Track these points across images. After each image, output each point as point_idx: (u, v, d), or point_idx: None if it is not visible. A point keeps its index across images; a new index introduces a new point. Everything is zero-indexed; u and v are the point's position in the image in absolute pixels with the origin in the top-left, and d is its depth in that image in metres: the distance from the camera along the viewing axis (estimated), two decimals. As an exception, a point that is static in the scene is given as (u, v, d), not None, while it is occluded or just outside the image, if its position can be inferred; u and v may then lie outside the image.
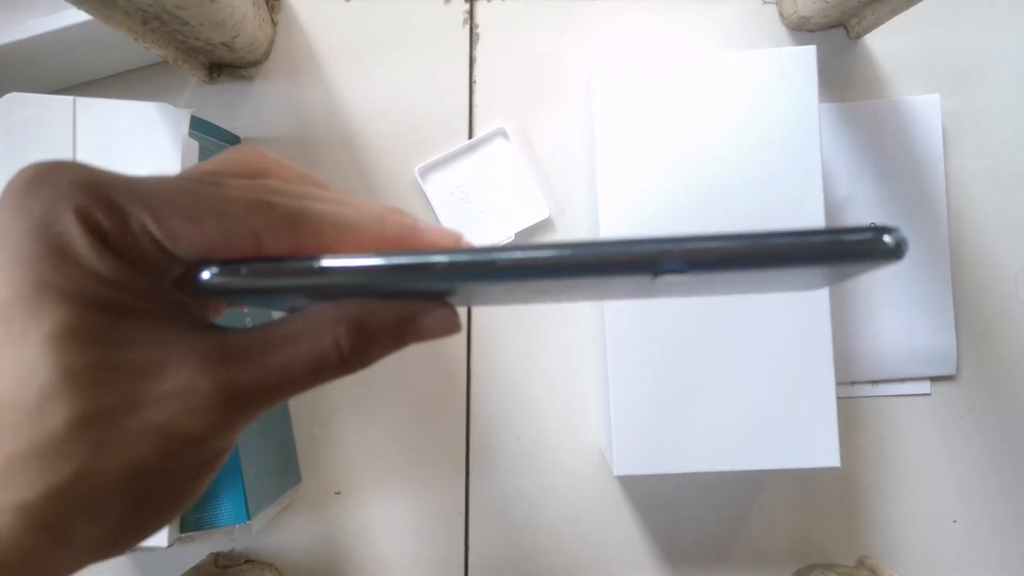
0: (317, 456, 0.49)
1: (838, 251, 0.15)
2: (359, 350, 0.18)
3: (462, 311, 0.48)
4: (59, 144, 0.39)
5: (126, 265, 0.16)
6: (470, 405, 0.49)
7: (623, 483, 0.48)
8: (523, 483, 0.49)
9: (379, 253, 0.16)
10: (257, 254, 0.16)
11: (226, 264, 0.16)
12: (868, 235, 0.15)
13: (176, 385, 0.16)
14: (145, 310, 0.16)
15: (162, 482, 0.17)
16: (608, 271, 0.15)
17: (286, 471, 0.48)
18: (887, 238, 0.15)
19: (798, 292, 0.21)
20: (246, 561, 0.49)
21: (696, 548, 0.48)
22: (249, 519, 0.41)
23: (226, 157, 0.18)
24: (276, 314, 0.20)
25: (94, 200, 0.15)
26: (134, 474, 0.16)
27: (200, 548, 0.49)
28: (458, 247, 0.18)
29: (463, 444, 0.49)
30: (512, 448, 0.49)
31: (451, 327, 0.19)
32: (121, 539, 0.17)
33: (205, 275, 0.16)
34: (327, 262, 0.16)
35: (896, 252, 0.15)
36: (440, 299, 0.19)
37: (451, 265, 0.16)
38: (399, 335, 0.18)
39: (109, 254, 0.15)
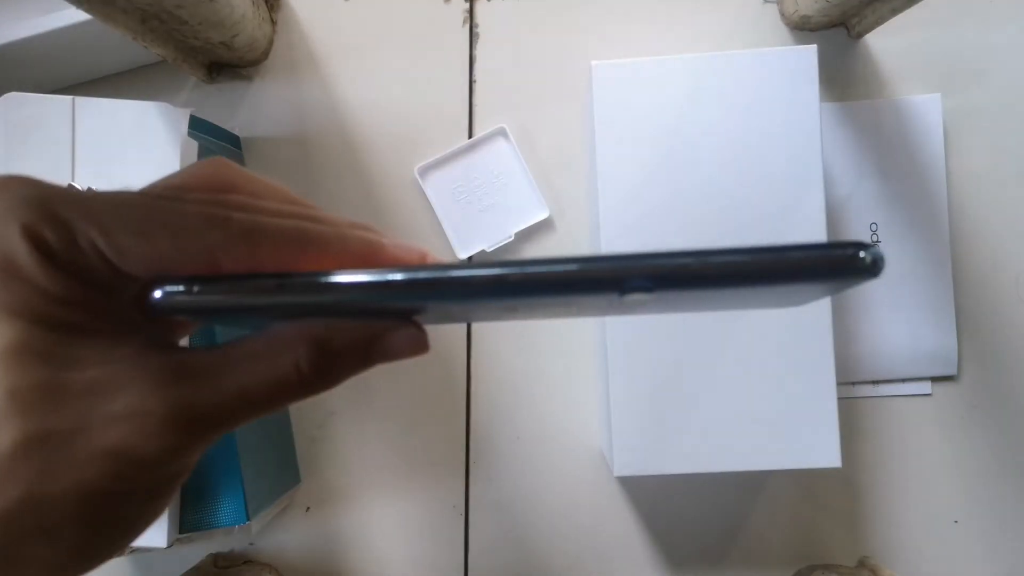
0: (316, 457, 0.49)
1: (810, 268, 0.14)
2: (321, 371, 0.17)
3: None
4: (58, 144, 0.39)
5: (75, 282, 0.15)
6: (470, 405, 0.49)
7: (623, 483, 0.48)
8: (523, 483, 0.49)
9: (336, 271, 0.16)
10: (212, 271, 0.16)
11: (178, 282, 0.16)
12: (842, 251, 0.14)
13: (127, 406, 0.15)
14: (96, 328, 0.16)
15: (115, 505, 0.16)
16: (572, 290, 0.15)
17: (285, 472, 0.48)
18: (863, 254, 0.14)
19: (772, 310, 0.21)
20: (245, 562, 0.49)
21: (696, 549, 0.48)
22: (248, 520, 0.41)
23: (191, 170, 0.17)
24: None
25: (41, 215, 0.14)
26: (85, 498, 0.15)
27: (199, 548, 0.49)
28: (421, 264, 0.17)
29: (463, 444, 0.49)
30: (512, 448, 0.49)
31: (418, 346, 0.18)
32: (76, 563, 0.16)
33: (156, 294, 0.16)
34: (281, 281, 0.16)
35: (872, 269, 0.14)
36: (406, 318, 0.18)
37: (409, 283, 0.15)
38: (364, 355, 0.18)
39: (57, 271, 0.15)
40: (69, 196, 0.15)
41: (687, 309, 0.19)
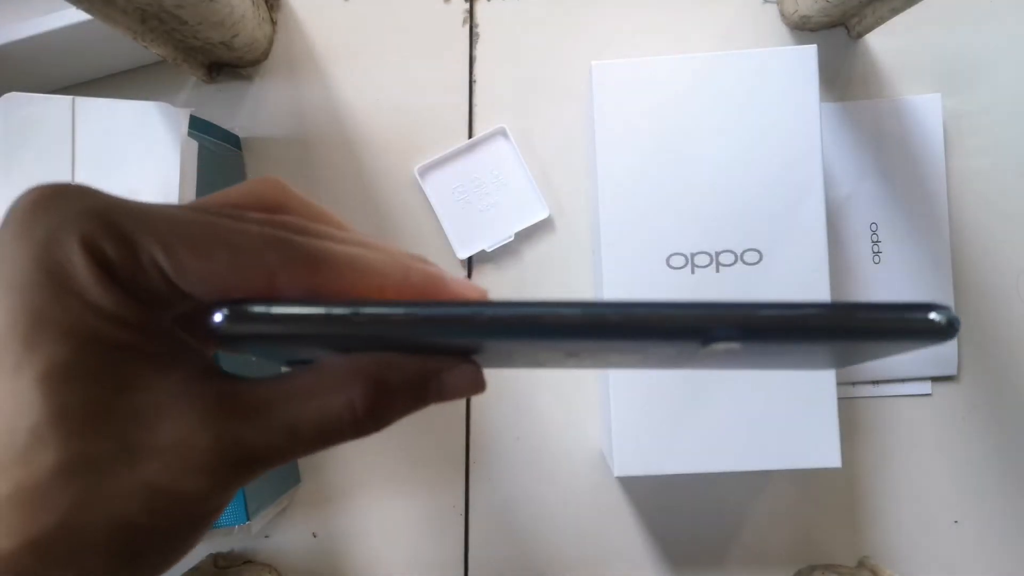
0: (316, 457, 0.49)
1: (904, 329, 0.15)
2: (376, 412, 0.16)
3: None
4: (58, 144, 0.39)
5: (132, 300, 0.14)
6: (470, 405, 0.49)
7: (623, 484, 0.48)
8: (523, 483, 0.49)
9: (413, 303, 0.15)
10: (269, 295, 0.15)
11: (240, 304, 0.15)
12: (933, 316, 0.14)
13: (174, 437, 0.15)
14: (148, 350, 0.15)
15: (147, 540, 0.15)
16: (655, 335, 0.15)
17: (285, 472, 0.48)
18: (942, 317, 0.14)
19: (812, 370, 0.22)
20: (245, 562, 0.49)
21: (696, 549, 0.48)
22: (248, 520, 0.41)
23: (245, 189, 0.17)
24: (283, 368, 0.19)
25: (102, 228, 0.14)
26: (119, 531, 0.14)
27: (199, 549, 0.49)
28: (486, 301, 0.16)
29: (463, 444, 0.49)
30: (512, 448, 0.49)
31: (476, 385, 0.18)
32: None
33: (217, 317, 0.15)
34: (357, 310, 0.15)
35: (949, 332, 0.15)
36: (464, 356, 0.18)
37: (494, 320, 0.15)
38: (420, 394, 0.17)
39: (114, 287, 0.14)
40: (131, 208, 0.14)
41: (746, 365, 0.19)
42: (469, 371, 0.17)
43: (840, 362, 0.19)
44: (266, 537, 0.49)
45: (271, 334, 0.15)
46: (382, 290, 0.16)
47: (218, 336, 0.15)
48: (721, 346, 0.15)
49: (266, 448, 0.16)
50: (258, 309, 0.15)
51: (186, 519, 0.16)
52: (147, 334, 0.15)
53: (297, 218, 0.17)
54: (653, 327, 0.15)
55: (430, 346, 0.16)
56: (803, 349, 0.16)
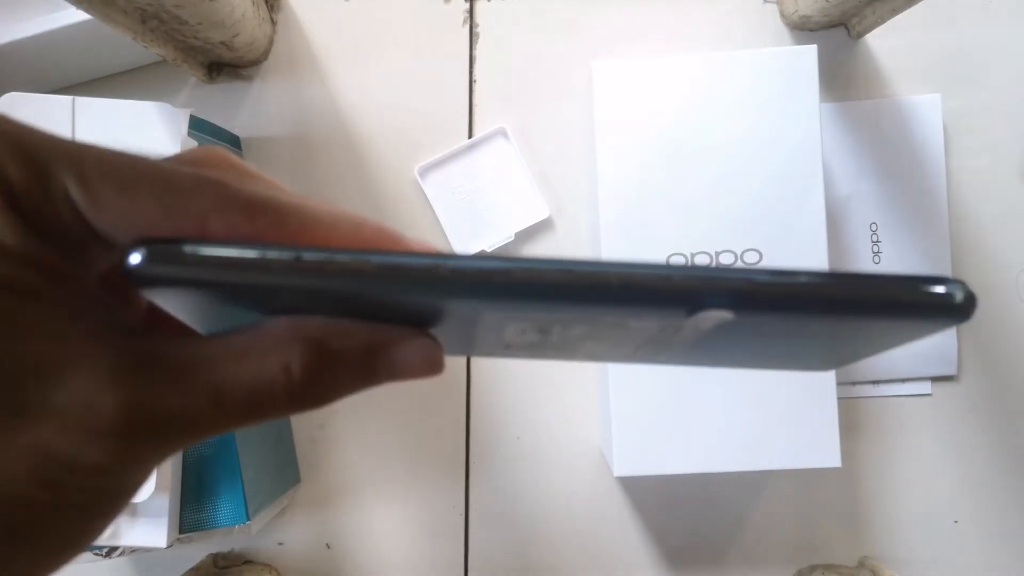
0: (316, 457, 0.49)
1: (915, 303, 0.13)
2: (315, 379, 0.14)
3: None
4: (58, 144, 0.39)
5: (36, 236, 0.13)
6: (470, 405, 0.49)
7: (623, 484, 0.48)
8: (523, 483, 0.49)
9: (363, 250, 0.13)
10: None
11: (163, 243, 0.13)
12: (943, 288, 0.13)
13: (75, 397, 0.12)
14: (54, 297, 0.13)
15: (43, 517, 0.13)
16: (638, 298, 0.13)
17: (285, 472, 0.48)
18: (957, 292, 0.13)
19: (808, 372, 0.20)
20: (245, 562, 0.49)
21: (696, 549, 0.48)
22: (248, 520, 0.41)
23: (185, 152, 0.15)
24: None
25: (10, 151, 0.12)
26: (5, 503, 0.12)
27: (199, 549, 0.49)
28: (449, 253, 0.14)
29: (463, 444, 0.49)
30: (512, 448, 0.49)
31: (433, 364, 0.15)
32: None
33: (134, 257, 0.13)
34: (299, 253, 0.13)
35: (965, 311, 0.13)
36: (420, 329, 0.16)
37: (456, 273, 0.13)
38: (368, 368, 0.15)
39: (17, 219, 0.12)
40: (46, 137, 0.13)
41: (731, 357, 0.17)
42: (424, 345, 0.15)
43: (838, 355, 0.18)
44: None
45: (198, 280, 0.13)
46: (329, 243, 0.14)
47: (137, 280, 0.13)
48: (710, 316, 0.13)
49: (185, 414, 0.13)
50: (185, 249, 0.13)
51: (88, 494, 0.13)
52: (53, 278, 0.13)
53: (238, 174, 0.15)
54: (636, 287, 0.13)
55: (382, 309, 0.15)
56: (801, 329, 0.14)
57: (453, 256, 0.13)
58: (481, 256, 0.13)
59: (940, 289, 0.13)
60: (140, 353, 0.13)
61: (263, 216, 0.13)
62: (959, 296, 0.13)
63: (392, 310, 0.15)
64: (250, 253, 0.13)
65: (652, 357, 0.18)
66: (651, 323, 0.14)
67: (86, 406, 0.13)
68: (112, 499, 0.14)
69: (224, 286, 0.13)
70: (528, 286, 0.13)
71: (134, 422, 0.13)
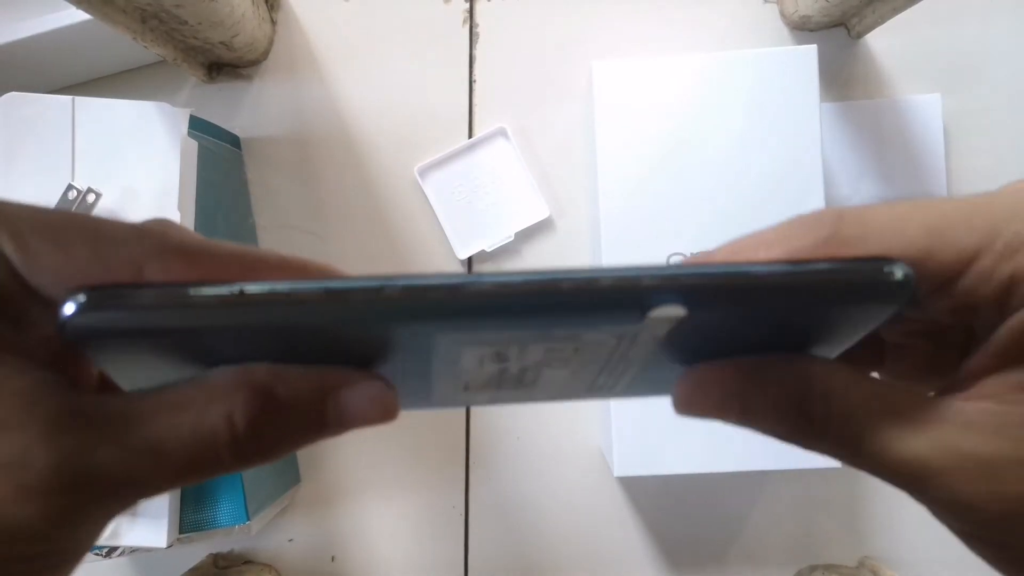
0: (316, 457, 0.49)
1: (855, 285, 0.13)
2: (260, 431, 0.13)
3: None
4: (58, 144, 0.39)
5: None
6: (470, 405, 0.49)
7: (623, 484, 0.48)
8: (523, 483, 0.49)
9: (307, 280, 0.13)
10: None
11: (98, 290, 0.12)
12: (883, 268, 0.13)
13: (2, 453, 0.12)
14: None
15: None
16: (589, 304, 0.13)
17: (285, 472, 0.48)
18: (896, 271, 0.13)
19: None
20: (245, 562, 0.49)
21: (696, 549, 0.48)
22: (248, 520, 0.41)
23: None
24: None
25: None
26: None
27: (199, 549, 0.49)
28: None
29: (463, 444, 0.49)
30: (512, 448, 0.49)
31: (386, 409, 0.15)
32: None
33: (69, 307, 0.12)
34: (244, 287, 0.12)
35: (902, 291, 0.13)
36: (366, 368, 0.15)
37: (406, 292, 0.12)
38: (316, 416, 0.14)
39: None
40: None
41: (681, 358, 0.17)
42: (375, 388, 0.15)
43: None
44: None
45: (136, 328, 0.12)
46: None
47: (72, 335, 0.12)
48: (662, 312, 0.13)
49: (122, 472, 0.13)
50: (122, 293, 0.12)
51: (20, 559, 0.12)
52: None
53: (179, 229, 0.14)
54: (583, 291, 0.13)
55: (331, 349, 0.14)
56: (754, 327, 0.15)
57: (399, 276, 0.13)
58: (426, 275, 0.13)
59: (878, 268, 0.13)
60: (75, 407, 0.13)
61: (204, 261, 0.13)
62: (899, 274, 0.13)
63: (341, 349, 0.14)
64: (188, 292, 0.12)
65: (614, 384, 0.17)
66: (606, 335, 0.14)
67: (18, 463, 0.12)
68: (54, 563, 0.13)
69: (161, 333, 0.13)
70: (476, 298, 0.13)
71: (67, 478, 0.12)
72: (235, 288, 0.12)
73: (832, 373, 0.15)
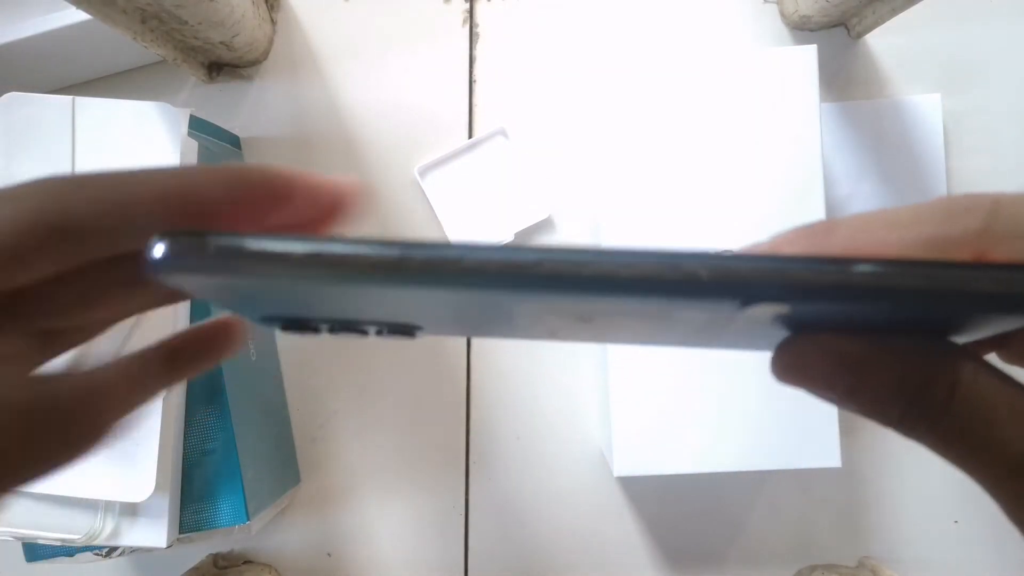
0: (316, 457, 0.49)
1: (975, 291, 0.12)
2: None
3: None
4: (58, 144, 0.39)
5: None
6: (470, 405, 0.49)
7: (623, 484, 0.48)
8: (523, 483, 0.49)
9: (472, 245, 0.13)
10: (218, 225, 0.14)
11: (187, 235, 0.13)
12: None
13: None
14: None
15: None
16: (692, 292, 0.12)
17: (285, 472, 0.48)
18: None
19: None
20: (245, 562, 0.49)
21: (696, 549, 0.48)
22: (248, 520, 0.41)
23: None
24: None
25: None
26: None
27: (199, 549, 0.49)
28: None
29: (463, 444, 0.49)
30: (512, 448, 0.49)
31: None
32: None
33: (158, 249, 0.12)
34: (407, 244, 0.12)
35: None
36: (407, 329, 0.16)
37: (498, 265, 0.12)
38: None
39: None
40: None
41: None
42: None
43: None
44: (266, 537, 0.49)
45: (249, 273, 0.13)
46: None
47: (162, 274, 0.13)
48: (765, 308, 0.12)
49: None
50: (248, 244, 0.12)
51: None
52: None
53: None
54: (695, 281, 0.12)
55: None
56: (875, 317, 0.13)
57: (475, 246, 0.12)
58: (510, 247, 0.13)
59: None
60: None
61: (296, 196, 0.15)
62: None
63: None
64: (350, 249, 0.12)
65: (711, 340, 0.17)
66: (699, 314, 0.13)
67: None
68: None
69: (272, 279, 0.13)
70: (568, 279, 0.12)
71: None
72: (401, 251, 0.12)
73: (961, 360, 0.14)
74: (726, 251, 0.12)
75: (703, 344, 0.17)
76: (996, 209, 0.13)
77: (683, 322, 0.14)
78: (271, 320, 0.16)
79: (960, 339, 0.15)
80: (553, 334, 0.17)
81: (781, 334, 0.15)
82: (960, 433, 0.14)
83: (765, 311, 0.12)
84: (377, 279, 0.12)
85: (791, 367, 0.15)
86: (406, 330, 0.17)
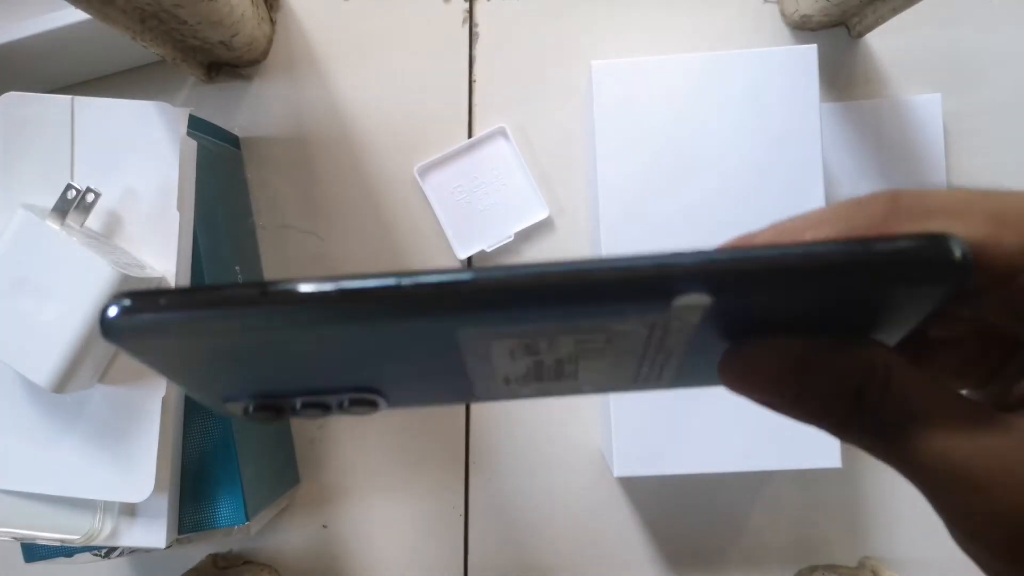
0: (316, 457, 0.49)
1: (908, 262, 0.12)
2: None
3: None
4: (57, 144, 0.39)
5: None
6: (470, 405, 0.49)
7: (623, 484, 0.48)
8: (523, 483, 0.49)
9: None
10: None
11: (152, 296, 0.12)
12: (926, 244, 0.12)
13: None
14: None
15: None
16: (616, 293, 0.12)
17: (284, 472, 0.48)
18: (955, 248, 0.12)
19: None
20: (245, 562, 0.49)
21: (697, 550, 0.48)
22: (247, 520, 0.41)
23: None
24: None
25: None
26: None
27: (199, 549, 0.49)
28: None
29: (463, 444, 0.49)
30: (512, 448, 0.49)
31: None
32: None
33: (111, 310, 0.12)
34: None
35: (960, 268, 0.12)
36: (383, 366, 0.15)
37: (419, 289, 0.12)
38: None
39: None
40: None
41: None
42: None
43: None
44: (266, 537, 0.49)
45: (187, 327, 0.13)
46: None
47: (113, 335, 0.12)
48: (686, 301, 0.12)
49: None
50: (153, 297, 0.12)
51: None
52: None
53: None
54: (607, 277, 0.12)
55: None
56: (799, 304, 0.14)
57: (406, 273, 0.12)
58: (431, 271, 0.13)
59: (938, 242, 0.12)
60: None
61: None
62: (958, 252, 0.12)
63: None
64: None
65: (659, 375, 0.17)
66: (635, 325, 0.14)
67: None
68: None
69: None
70: (484, 293, 0.12)
71: None
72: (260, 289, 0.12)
73: (894, 361, 0.14)
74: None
75: (662, 379, 0.17)
76: (896, 197, 0.14)
77: (628, 342, 0.14)
78: (233, 399, 0.16)
79: (889, 337, 0.15)
80: (510, 385, 0.16)
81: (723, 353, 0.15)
82: (889, 432, 0.14)
83: (692, 308, 0.13)
84: (307, 314, 0.12)
85: (742, 373, 0.16)
86: (368, 401, 0.16)
